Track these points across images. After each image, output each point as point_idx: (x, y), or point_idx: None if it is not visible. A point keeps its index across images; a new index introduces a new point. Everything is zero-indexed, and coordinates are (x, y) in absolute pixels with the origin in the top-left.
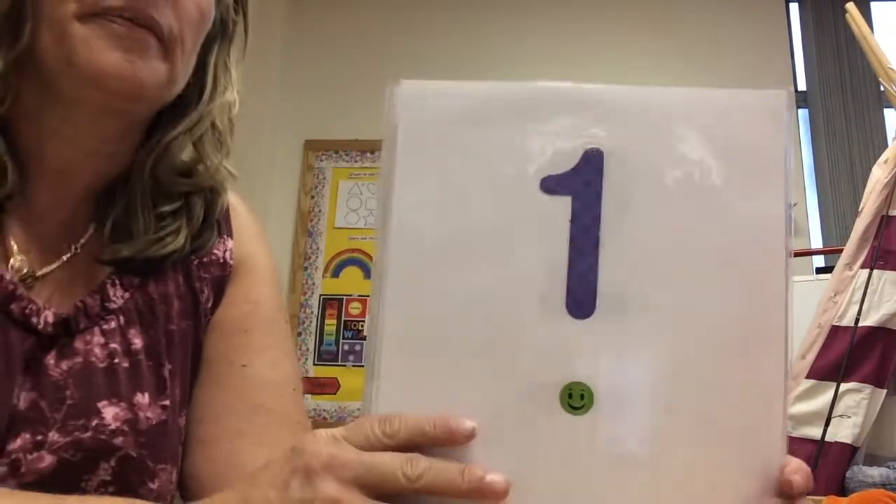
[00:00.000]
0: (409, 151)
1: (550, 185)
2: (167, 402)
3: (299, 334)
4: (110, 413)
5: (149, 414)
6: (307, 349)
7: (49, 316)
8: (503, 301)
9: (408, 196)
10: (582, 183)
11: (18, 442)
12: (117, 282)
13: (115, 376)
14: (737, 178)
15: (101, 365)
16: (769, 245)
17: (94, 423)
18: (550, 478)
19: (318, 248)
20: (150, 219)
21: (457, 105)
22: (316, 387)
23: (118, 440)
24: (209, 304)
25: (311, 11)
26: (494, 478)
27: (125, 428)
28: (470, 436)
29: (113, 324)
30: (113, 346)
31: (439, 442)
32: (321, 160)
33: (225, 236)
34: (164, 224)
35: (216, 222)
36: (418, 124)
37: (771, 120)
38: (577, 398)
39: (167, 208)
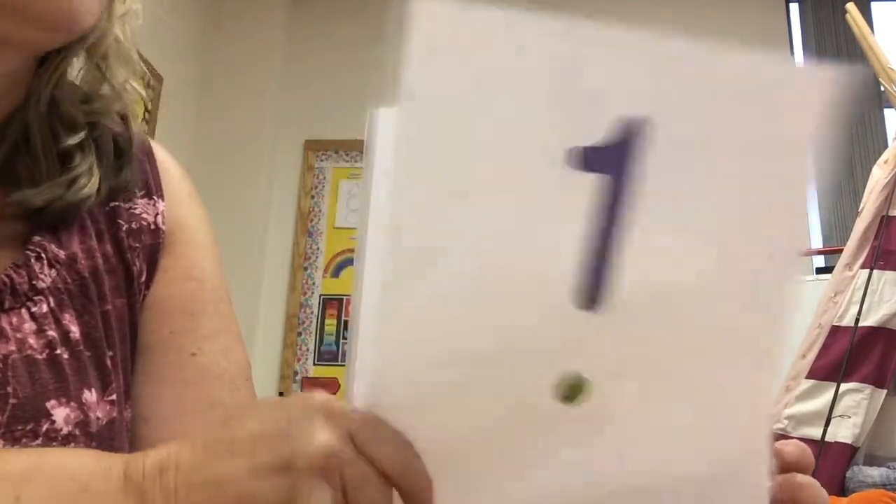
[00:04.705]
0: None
1: (577, 158)
2: (114, 397)
3: (299, 334)
4: (61, 415)
5: (98, 413)
6: (307, 349)
7: None
8: (503, 285)
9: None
10: (613, 161)
11: None
12: (42, 255)
13: (61, 370)
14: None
15: (41, 357)
16: (787, 270)
17: (45, 427)
18: (544, 467)
19: (318, 248)
20: (54, 159)
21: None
22: (316, 387)
23: (71, 447)
24: (143, 279)
25: (311, 12)
26: None
27: (76, 432)
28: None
29: (44, 307)
30: (51, 334)
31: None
32: (321, 160)
33: (155, 197)
34: (74, 165)
35: (134, 157)
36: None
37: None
38: (573, 390)
39: (72, 141)
